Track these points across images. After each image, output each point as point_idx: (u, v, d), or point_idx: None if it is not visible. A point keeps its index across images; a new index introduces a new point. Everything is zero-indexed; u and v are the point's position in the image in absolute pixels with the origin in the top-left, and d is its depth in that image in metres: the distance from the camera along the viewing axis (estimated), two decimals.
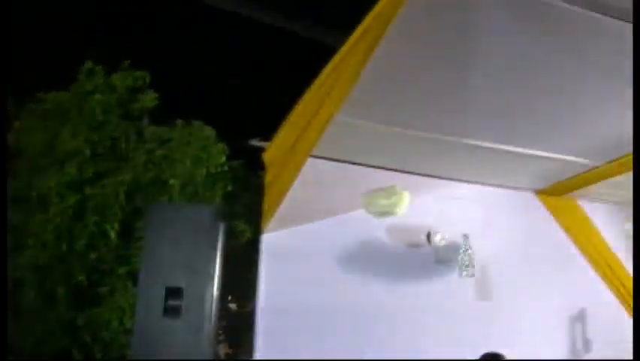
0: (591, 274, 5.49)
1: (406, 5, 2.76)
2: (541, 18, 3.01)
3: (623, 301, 5.44)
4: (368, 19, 2.97)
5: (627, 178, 4.99)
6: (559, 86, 3.73)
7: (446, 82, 3.66)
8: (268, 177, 4.27)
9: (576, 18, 2.96)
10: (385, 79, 3.52)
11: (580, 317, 5.32)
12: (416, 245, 4.89)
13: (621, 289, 5.46)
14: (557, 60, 3.44)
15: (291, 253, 4.45)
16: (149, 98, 7.26)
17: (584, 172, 5.08)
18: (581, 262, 5.49)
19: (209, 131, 7.33)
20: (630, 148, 4.57)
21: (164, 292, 3.95)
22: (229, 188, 7.34)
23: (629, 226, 5.09)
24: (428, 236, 4.88)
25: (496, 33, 3.16)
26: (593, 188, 5.34)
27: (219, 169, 7.26)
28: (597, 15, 2.94)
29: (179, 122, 7.33)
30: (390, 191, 4.32)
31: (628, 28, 2.99)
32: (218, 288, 4.07)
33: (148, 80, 7.22)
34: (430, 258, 4.93)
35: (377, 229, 4.75)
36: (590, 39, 3.20)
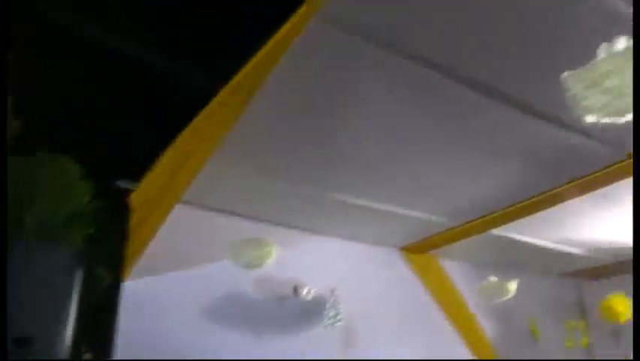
0: (449, 330, 5.75)
1: (285, 58, 2.82)
2: (414, 86, 3.18)
3: (478, 358, 5.73)
4: (247, 69, 3.00)
5: (482, 239, 5.34)
6: (423, 150, 3.92)
7: (318, 137, 3.73)
8: (134, 221, 4.11)
9: (449, 92, 3.17)
10: (259, 129, 3.54)
11: None
12: (283, 298, 4.88)
13: (476, 347, 5.75)
14: (424, 126, 3.63)
15: (153, 303, 4.26)
16: (11, 127, 6.79)
17: (444, 231, 5.36)
18: (440, 318, 5.74)
19: (74, 168, 6.94)
20: (484, 211, 4.94)
21: (12, 341, 3.65)
22: (91, 230, 6.96)
23: (484, 283, 5.40)
24: (295, 289, 4.88)
25: (370, 95, 3.29)
26: (452, 247, 5.64)
27: (82, 209, 6.88)
28: (466, 89, 3.16)
29: (43, 155, 6.89)
30: (259, 242, 4.29)
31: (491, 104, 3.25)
32: (71, 337, 3.82)
33: (11, 107, 6.77)
34: (296, 311, 4.91)
35: (244, 281, 4.68)
36: (460, 113, 3.43)
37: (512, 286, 5.36)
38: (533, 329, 6.25)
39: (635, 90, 2.79)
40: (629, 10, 2.48)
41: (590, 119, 2.44)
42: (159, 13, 5.40)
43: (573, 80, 2.29)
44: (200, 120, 3.42)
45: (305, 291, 4.85)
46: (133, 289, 4.19)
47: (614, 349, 7.30)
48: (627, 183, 4.45)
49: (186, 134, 3.57)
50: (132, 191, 4.22)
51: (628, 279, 6.91)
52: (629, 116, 2.31)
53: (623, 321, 6.46)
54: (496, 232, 5.32)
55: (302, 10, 2.64)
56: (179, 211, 3.99)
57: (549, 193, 4.56)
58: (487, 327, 5.97)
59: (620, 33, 2.24)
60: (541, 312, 6.56)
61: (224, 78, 3.16)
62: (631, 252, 6.15)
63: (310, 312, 4.89)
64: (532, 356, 6.41)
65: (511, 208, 4.85)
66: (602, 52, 2.22)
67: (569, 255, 6.09)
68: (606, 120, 2.41)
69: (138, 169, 4.13)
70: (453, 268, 5.97)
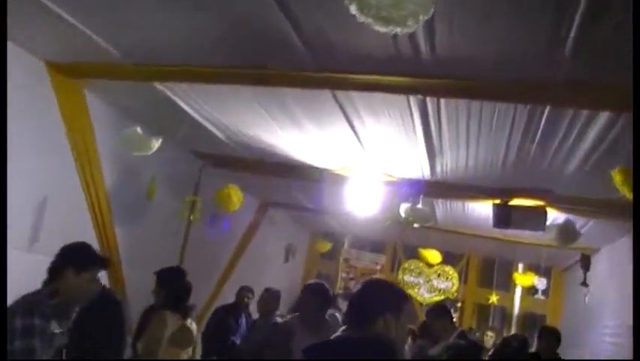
0: (67, 163, 5.26)
1: None
2: None
3: (88, 197, 5.42)
4: None
5: (142, 87, 4.95)
6: None
7: None
8: None
9: None
10: None
11: (43, 204, 5.03)
12: None
13: (90, 188, 5.43)
14: None
15: None
16: None
17: (106, 63, 4.68)
18: (65, 150, 5.20)
19: None
20: (160, 60, 4.52)
21: None
22: None
23: (129, 132, 5.09)
24: None
25: None
26: (108, 84, 5.12)
27: None
28: None
29: None
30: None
31: None
32: None
33: None
34: None
35: None
36: None
37: (155, 143, 5.18)
38: (151, 191, 6.20)
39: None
40: None
41: (353, 10, 2.32)
42: None
43: None
44: None
45: None
46: None
47: (203, 234, 7.87)
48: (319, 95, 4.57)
49: None
50: None
51: (240, 175, 7.43)
52: (391, 29, 2.28)
53: (233, 210, 6.97)
54: (160, 86, 4.99)
55: None
56: None
57: (231, 69, 4.41)
58: (107, 173, 5.68)
59: None
60: (162, 179, 6.56)
61: None
62: (266, 156, 6.61)
63: None
64: (142, 215, 6.43)
65: (187, 68, 4.53)
66: None
67: (213, 136, 6.16)
68: (368, 21, 2.34)
69: None
70: (98, 106, 5.45)
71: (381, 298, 2.36)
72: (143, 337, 4.09)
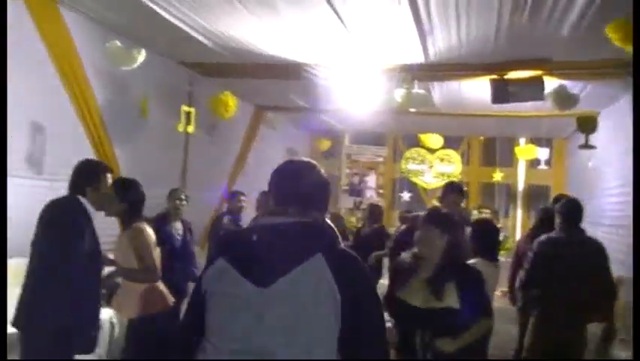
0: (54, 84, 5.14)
1: None
2: None
3: (82, 118, 5.36)
4: None
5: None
6: None
7: None
8: None
9: None
10: None
11: (39, 128, 4.97)
12: None
13: (84, 109, 5.35)
14: None
15: None
16: None
17: None
18: (49, 72, 5.06)
19: None
20: None
21: None
22: None
23: (110, 46, 4.95)
24: None
25: None
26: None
27: None
28: None
29: None
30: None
31: None
32: None
33: None
34: None
35: None
36: None
37: (137, 55, 5.06)
38: (144, 108, 6.14)
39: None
40: None
41: None
42: None
43: None
44: None
45: None
46: None
47: (205, 141, 7.84)
48: None
49: None
50: None
51: (233, 82, 7.32)
52: None
53: (229, 116, 6.92)
54: None
55: None
56: None
57: None
58: (98, 91, 5.57)
59: None
60: (153, 93, 6.47)
61: None
62: (255, 58, 6.46)
63: None
64: (138, 131, 6.37)
65: None
66: None
67: (198, 43, 5.99)
68: None
69: None
70: (79, 23, 5.24)
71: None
72: (134, 253, 4.12)
